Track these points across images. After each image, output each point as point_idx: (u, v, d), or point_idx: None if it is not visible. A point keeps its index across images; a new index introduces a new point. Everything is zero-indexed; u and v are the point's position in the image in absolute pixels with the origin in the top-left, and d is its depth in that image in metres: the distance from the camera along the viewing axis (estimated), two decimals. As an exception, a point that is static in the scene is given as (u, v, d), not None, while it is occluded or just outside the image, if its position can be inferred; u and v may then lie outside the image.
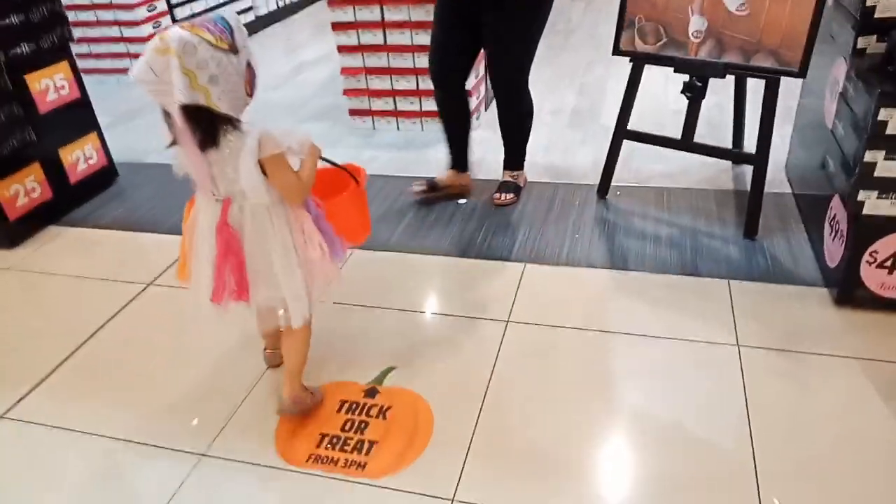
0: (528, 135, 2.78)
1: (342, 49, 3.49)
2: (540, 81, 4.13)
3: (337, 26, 3.45)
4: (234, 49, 1.35)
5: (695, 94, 2.33)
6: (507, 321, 2.08)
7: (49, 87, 2.85)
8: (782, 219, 2.49)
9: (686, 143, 2.44)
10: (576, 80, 4.08)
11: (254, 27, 5.93)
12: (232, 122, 1.41)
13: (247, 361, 1.98)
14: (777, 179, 2.72)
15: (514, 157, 2.81)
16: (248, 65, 1.41)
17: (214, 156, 1.42)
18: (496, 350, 1.96)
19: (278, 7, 6.29)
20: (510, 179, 2.80)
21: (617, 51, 2.50)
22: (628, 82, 2.52)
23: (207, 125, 1.38)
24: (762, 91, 2.26)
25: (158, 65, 1.28)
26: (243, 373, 1.95)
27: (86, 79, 3.21)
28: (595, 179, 2.77)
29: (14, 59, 2.68)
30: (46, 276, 2.53)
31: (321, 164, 1.60)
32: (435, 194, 2.80)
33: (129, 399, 1.91)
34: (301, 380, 1.77)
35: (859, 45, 1.91)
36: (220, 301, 1.57)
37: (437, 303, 2.23)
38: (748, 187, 2.39)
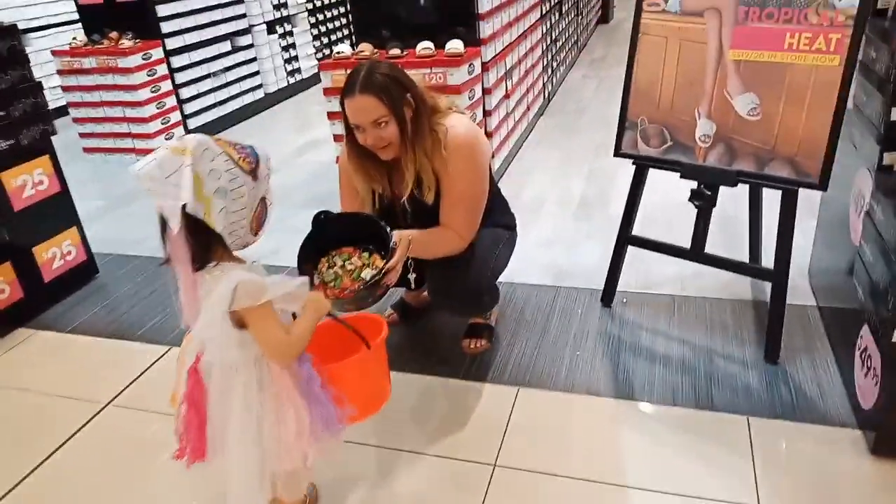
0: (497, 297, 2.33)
1: (338, 138, 3.37)
2: (547, 167, 3.99)
3: (332, 115, 3.35)
4: (253, 175, 1.24)
5: (704, 202, 2.12)
6: (494, 465, 1.83)
7: (27, 182, 2.73)
8: (807, 336, 2.23)
9: (696, 253, 2.22)
10: (584, 166, 3.91)
11: (264, 104, 5.92)
12: (225, 252, 1.26)
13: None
14: (800, 288, 2.47)
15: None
16: (263, 201, 1.29)
17: (202, 291, 1.25)
18: (478, 504, 1.71)
19: (288, 84, 6.30)
20: (481, 321, 2.35)
21: (618, 152, 2.31)
22: (631, 186, 2.32)
23: (202, 241, 1.21)
24: (780, 194, 2.02)
25: (170, 164, 1.15)
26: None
27: (89, 157, 3.08)
28: (600, 279, 2.54)
29: (-11, 157, 2.58)
30: (2, 391, 2.35)
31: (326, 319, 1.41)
32: (413, 317, 2.50)
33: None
34: None
35: (885, 162, 1.70)
36: (181, 458, 1.36)
37: (413, 438, 1.94)
38: (767, 297, 2.15)
